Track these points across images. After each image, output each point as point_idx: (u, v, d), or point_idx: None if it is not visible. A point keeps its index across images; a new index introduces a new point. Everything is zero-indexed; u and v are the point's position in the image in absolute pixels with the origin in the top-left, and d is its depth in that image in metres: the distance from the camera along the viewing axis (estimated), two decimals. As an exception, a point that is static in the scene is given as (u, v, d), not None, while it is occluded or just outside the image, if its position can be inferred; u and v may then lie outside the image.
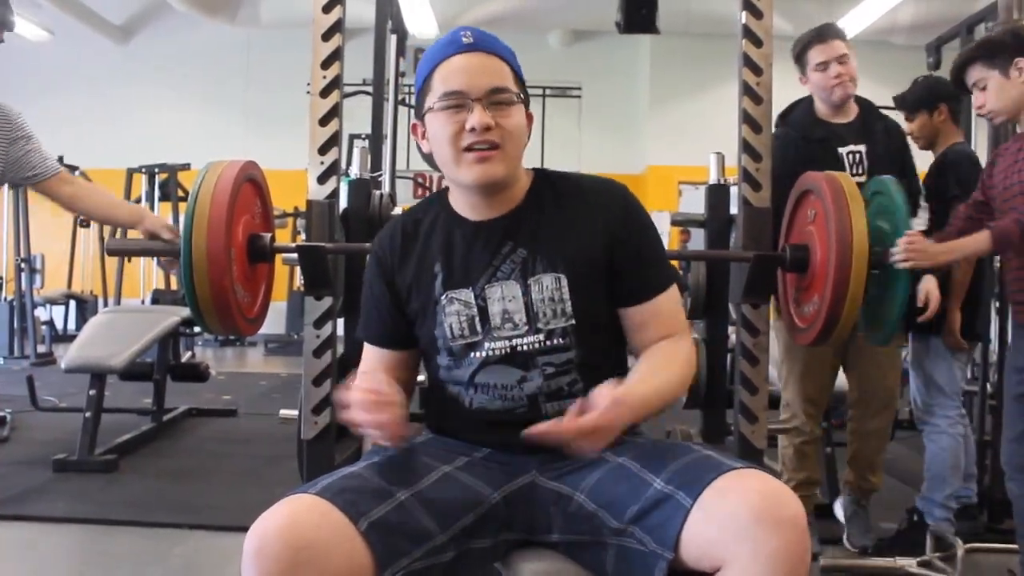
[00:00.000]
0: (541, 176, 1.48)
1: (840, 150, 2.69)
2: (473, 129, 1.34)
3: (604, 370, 1.40)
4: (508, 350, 1.40)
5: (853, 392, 2.83)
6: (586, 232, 1.42)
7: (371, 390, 1.27)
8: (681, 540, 1.15)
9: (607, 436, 1.22)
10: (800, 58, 2.70)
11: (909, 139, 2.84)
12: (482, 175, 1.36)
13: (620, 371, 1.45)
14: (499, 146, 1.35)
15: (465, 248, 1.43)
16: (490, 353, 1.40)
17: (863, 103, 2.77)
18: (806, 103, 2.79)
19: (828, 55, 2.63)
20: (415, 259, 1.46)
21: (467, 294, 1.41)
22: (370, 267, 1.53)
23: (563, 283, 1.39)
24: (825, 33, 2.66)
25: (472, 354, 1.41)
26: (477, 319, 1.40)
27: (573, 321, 1.39)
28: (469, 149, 1.35)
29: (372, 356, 1.52)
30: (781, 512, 1.10)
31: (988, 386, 3.07)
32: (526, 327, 1.39)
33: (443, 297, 1.42)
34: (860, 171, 2.66)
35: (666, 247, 1.57)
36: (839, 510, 2.91)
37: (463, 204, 1.45)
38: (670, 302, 1.44)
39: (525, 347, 1.39)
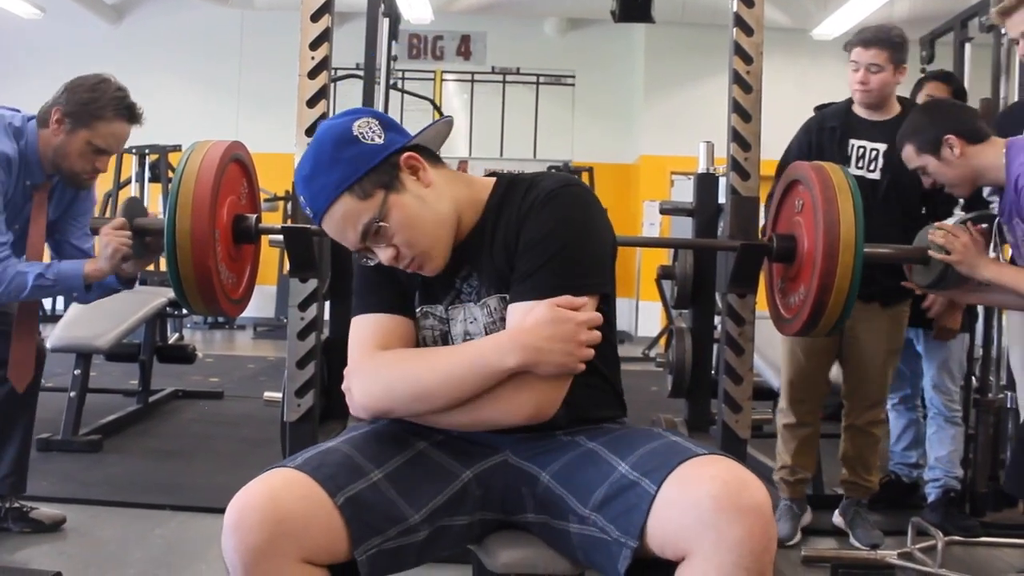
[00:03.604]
0: (501, 189, 1.41)
1: (852, 142, 2.69)
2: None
3: None
4: None
5: (846, 385, 2.82)
6: (514, 244, 1.34)
7: None
8: (647, 528, 1.14)
9: None
10: (846, 49, 2.72)
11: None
12: (429, 273, 1.37)
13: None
14: (412, 255, 1.33)
15: None
16: None
17: (907, 104, 2.77)
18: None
19: (860, 59, 2.66)
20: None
21: (440, 310, 1.42)
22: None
23: (506, 303, 1.34)
24: (869, 39, 2.66)
25: None
26: (448, 335, 1.41)
27: None
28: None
29: (372, 325, 1.39)
30: (743, 500, 1.08)
31: (973, 380, 3.08)
32: None
33: (419, 310, 1.43)
34: (872, 168, 2.66)
35: (658, 235, 1.54)
36: (838, 518, 2.87)
37: None
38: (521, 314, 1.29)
39: None
